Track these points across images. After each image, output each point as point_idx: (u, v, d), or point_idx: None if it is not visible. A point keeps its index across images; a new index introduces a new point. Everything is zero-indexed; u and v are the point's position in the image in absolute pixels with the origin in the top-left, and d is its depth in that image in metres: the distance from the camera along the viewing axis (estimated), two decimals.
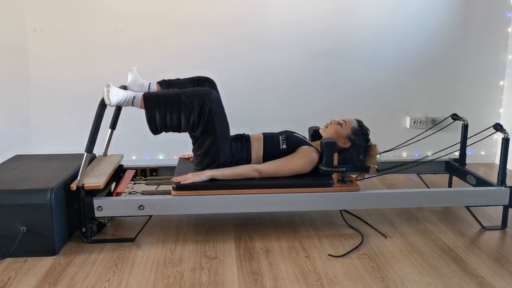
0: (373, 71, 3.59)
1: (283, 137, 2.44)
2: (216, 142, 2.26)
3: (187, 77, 2.52)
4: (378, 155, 2.45)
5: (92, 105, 2.41)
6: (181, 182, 2.25)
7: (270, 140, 2.42)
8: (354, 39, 3.53)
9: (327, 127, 2.49)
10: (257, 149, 2.40)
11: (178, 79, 2.51)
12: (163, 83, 2.46)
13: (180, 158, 2.74)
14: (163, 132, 2.26)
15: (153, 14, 3.36)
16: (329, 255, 2.15)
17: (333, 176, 2.35)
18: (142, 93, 2.22)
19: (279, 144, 2.41)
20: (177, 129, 2.24)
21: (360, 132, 2.45)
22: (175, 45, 3.41)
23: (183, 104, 2.18)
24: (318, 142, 2.50)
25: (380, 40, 3.55)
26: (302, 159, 2.34)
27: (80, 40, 3.35)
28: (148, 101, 2.19)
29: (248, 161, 2.39)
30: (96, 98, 2.25)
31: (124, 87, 2.42)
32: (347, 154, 2.43)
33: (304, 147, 2.39)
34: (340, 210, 2.57)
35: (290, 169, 2.34)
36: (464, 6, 3.55)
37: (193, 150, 2.36)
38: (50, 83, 3.39)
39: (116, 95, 2.15)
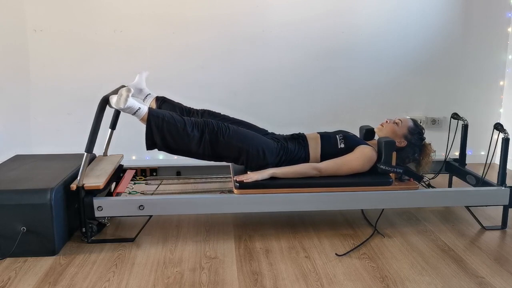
0: (373, 71, 3.59)
1: (341, 136, 2.45)
2: (241, 150, 2.29)
3: (187, 105, 2.58)
4: (432, 154, 2.47)
5: (92, 105, 2.41)
6: (244, 181, 2.26)
7: (327, 139, 2.44)
8: (354, 39, 3.53)
9: (383, 126, 2.52)
10: (314, 148, 2.42)
11: (173, 101, 2.56)
12: (159, 99, 2.52)
13: None
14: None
15: (153, 14, 3.36)
16: (336, 254, 2.15)
17: (390, 175, 2.37)
18: (147, 107, 2.23)
19: (337, 143, 2.42)
20: (174, 151, 2.27)
21: (416, 131, 2.49)
22: (175, 45, 3.41)
23: (186, 132, 2.21)
24: (373, 141, 2.54)
25: (380, 40, 3.55)
26: (361, 158, 2.36)
27: (80, 40, 3.35)
28: (152, 118, 2.20)
29: (306, 160, 2.41)
30: (96, 98, 2.25)
31: (123, 87, 2.42)
32: (403, 153, 2.47)
33: (362, 146, 2.41)
34: (362, 210, 2.59)
35: (349, 168, 2.36)
36: (464, 6, 3.55)
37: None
38: (50, 83, 3.39)
39: (130, 102, 2.15)
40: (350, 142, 2.43)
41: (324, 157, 2.41)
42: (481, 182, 2.55)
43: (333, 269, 2.03)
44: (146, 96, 2.52)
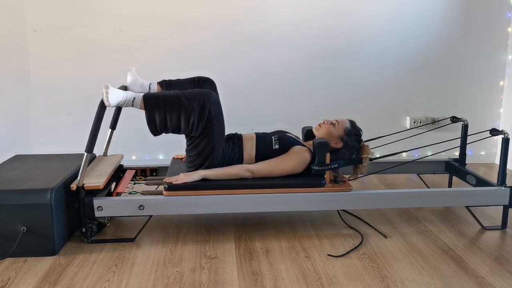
0: (373, 71, 3.59)
1: (276, 137, 2.43)
2: (211, 143, 2.26)
3: (187, 77, 2.52)
4: (370, 155, 2.45)
5: (92, 105, 2.41)
6: (173, 182, 2.25)
7: (262, 140, 2.42)
8: (354, 39, 3.53)
9: (320, 126, 2.50)
10: (249, 149, 2.39)
11: (179, 79, 2.50)
12: (163, 84, 2.46)
13: (173, 158, 2.74)
14: (163, 133, 2.26)
15: (153, 14, 3.36)
16: (328, 255, 2.15)
17: (325, 176, 2.35)
18: (142, 94, 2.22)
19: (271, 144, 2.40)
20: (177, 130, 2.23)
21: (353, 133, 2.45)
22: (175, 45, 3.41)
23: (183, 106, 2.17)
24: (311, 142, 2.50)
25: (380, 40, 3.55)
26: (294, 159, 2.34)
27: (80, 40, 3.35)
28: (148, 102, 2.18)
29: (240, 161, 2.38)
30: (96, 98, 2.25)
31: (125, 88, 2.42)
32: (339, 155, 2.43)
33: (297, 147, 2.39)
34: (338, 210, 2.57)
35: (282, 169, 2.34)
36: (464, 6, 3.55)
37: (187, 150, 2.35)
38: (50, 83, 3.39)
39: (115, 96, 2.15)
40: (285, 143, 2.40)
41: (258, 157, 2.38)
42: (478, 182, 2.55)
43: (333, 269, 2.03)
44: (149, 87, 2.48)
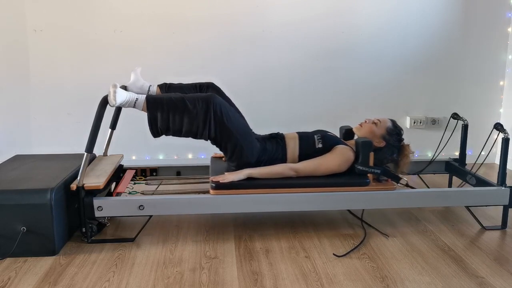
0: (373, 71, 3.59)
1: (319, 136, 2.44)
2: (237, 142, 2.28)
3: (186, 79, 2.52)
4: (411, 154, 2.46)
5: (92, 105, 2.41)
6: (220, 181, 2.26)
7: (305, 139, 2.43)
8: (354, 39, 3.53)
9: (361, 126, 2.51)
10: (292, 148, 2.41)
11: (180, 83, 2.51)
12: (163, 86, 2.46)
13: (212, 157, 2.74)
14: (164, 136, 2.26)
15: (153, 14, 3.36)
16: (334, 254, 2.15)
17: (368, 175, 2.36)
18: (145, 95, 2.22)
19: (314, 143, 2.41)
20: (178, 133, 2.23)
21: (395, 132, 2.47)
22: (175, 45, 3.41)
23: (187, 109, 2.17)
24: (351, 141, 2.52)
25: (380, 40, 3.55)
26: (339, 158, 2.35)
27: (80, 40, 3.35)
28: (151, 104, 2.18)
29: (283, 160, 2.40)
30: (96, 98, 2.25)
31: (124, 88, 2.42)
32: (381, 154, 2.45)
33: (340, 146, 2.40)
34: (349, 210, 2.58)
35: (327, 168, 2.35)
36: (464, 6, 3.55)
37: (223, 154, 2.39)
38: (50, 83, 3.39)
39: (120, 96, 2.15)
40: (328, 142, 2.41)
41: (302, 157, 2.40)
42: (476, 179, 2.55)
43: (333, 269, 2.03)
44: (149, 89, 2.49)
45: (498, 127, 2.45)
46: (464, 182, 2.78)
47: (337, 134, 2.71)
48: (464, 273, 2.01)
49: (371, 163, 2.34)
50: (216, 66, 3.44)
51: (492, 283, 1.93)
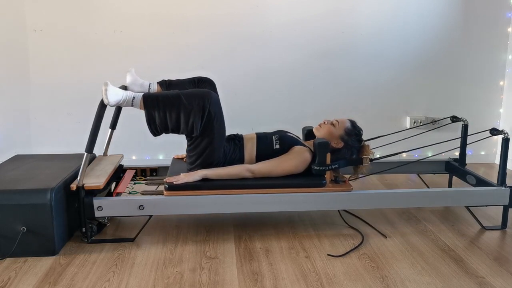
0: (373, 71, 3.60)
1: (277, 137, 2.43)
2: (212, 142, 2.26)
3: (187, 77, 2.51)
4: (371, 155, 2.45)
5: (92, 105, 2.40)
6: (174, 182, 2.24)
7: (263, 140, 2.42)
8: (354, 39, 3.53)
9: (320, 126, 2.49)
10: (250, 149, 2.39)
11: (178, 79, 2.50)
12: (163, 84, 2.46)
13: (173, 158, 2.74)
14: (163, 134, 2.26)
15: (153, 14, 3.36)
16: (328, 254, 2.15)
17: (326, 176, 2.35)
18: (142, 93, 2.22)
19: (272, 144, 2.40)
20: (177, 130, 2.23)
21: (353, 133, 2.45)
22: (175, 45, 3.41)
23: (183, 105, 2.17)
24: (311, 142, 2.50)
25: (380, 40, 3.55)
26: (295, 159, 2.34)
27: (80, 40, 3.35)
28: (148, 102, 2.18)
29: (241, 161, 2.38)
30: (96, 98, 2.25)
31: (125, 88, 2.42)
32: (340, 155, 2.43)
33: (297, 147, 2.38)
34: (339, 210, 2.57)
35: (283, 169, 2.33)
36: (464, 6, 3.55)
37: (188, 150, 2.35)
38: (50, 83, 3.39)
39: (115, 95, 2.15)
40: (286, 143, 2.40)
41: (259, 158, 2.38)
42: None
43: (333, 269, 2.03)
44: (149, 87, 2.48)
45: (494, 132, 2.45)
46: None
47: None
48: (464, 273, 2.01)
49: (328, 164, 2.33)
50: (216, 66, 3.43)
51: (492, 283, 1.93)
